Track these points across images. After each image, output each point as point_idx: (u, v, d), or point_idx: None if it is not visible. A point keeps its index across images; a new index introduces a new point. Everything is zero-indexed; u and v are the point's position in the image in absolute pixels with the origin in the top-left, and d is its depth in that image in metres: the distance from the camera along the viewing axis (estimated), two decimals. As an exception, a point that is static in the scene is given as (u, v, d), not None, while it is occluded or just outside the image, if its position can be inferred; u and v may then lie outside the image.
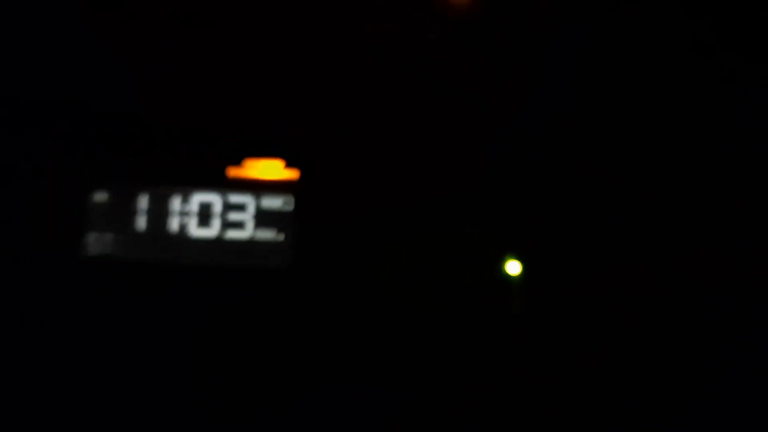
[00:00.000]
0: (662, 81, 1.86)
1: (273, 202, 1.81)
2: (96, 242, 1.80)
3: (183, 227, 1.81)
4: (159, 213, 1.81)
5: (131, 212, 1.81)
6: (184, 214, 1.81)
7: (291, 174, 1.82)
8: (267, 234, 1.80)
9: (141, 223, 1.81)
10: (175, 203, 1.81)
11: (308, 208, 1.81)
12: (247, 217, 1.81)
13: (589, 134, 1.84)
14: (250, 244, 1.80)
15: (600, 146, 1.84)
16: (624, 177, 1.84)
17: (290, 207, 1.81)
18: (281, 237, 1.80)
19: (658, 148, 1.84)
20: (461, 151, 1.81)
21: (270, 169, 1.82)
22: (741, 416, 1.74)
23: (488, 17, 1.85)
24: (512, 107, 1.81)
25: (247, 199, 1.81)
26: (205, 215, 1.81)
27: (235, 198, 1.81)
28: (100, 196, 1.81)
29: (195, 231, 1.81)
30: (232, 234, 1.81)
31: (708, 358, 1.75)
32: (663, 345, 1.77)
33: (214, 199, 1.81)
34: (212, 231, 1.81)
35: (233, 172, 1.82)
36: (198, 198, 1.81)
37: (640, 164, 1.84)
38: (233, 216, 1.81)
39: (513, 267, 1.80)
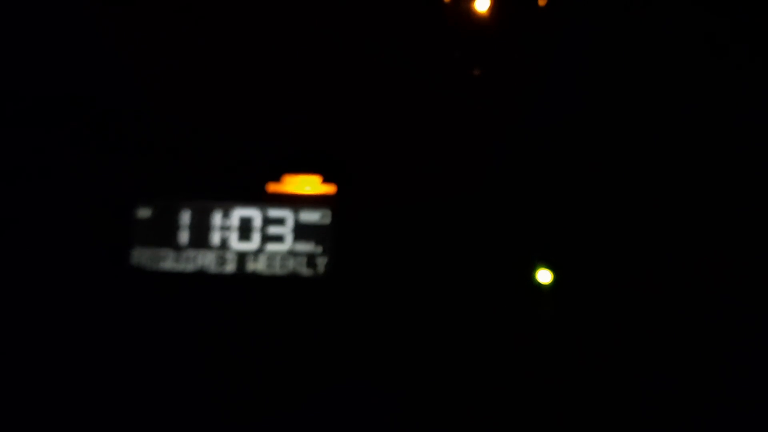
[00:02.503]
0: (679, 82, 1.91)
1: (311, 216, 1.87)
2: (141, 255, 1.87)
3: (224, 241, 1.87)
4: (201, 227, 1.87)
5: (174, 227, 1.87)
6: (225, 228, 1.88)
7: (328, 189, 1.89)
8: (305, 246, 1.87)
9: (183, 237, 1.87)
10: (217, 218, 1.88)
11: (345, 222, 1.87)
12: (286, 230, 1.87)
13: (611, 140, 1.90)
14: (289, 256, 1.86)
15: (626, 152, 1.89)
16: (652, 184, 1.89)
17: (327, 220, 1.87)
18: (319, 249, 1.87)
19: (690, 152, 1.89)
20: (493, 164, 1.87)
21: (308, 184, 1.89)
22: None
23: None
24: (542, 118, 1.88)
25: (286, 214, 1.88)
26: (245, 229, 1.88)
27: (274, 212, 1.88)
28: (144, 212, 1.88)
29: (236, 244, 1.87)
30: (272, 247, 1.87)
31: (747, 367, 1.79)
32: (691, 356, 1.81)
33: (254, 214, 1.88)
34: (253, 244, 1.87)
35: (272, 187, 1.89)
36: (238, 213, 1.88)
37: (666, 171, 1.89)
38: (273, 230, 1.88)
39: (544, 276, 1.86)
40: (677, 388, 1.81)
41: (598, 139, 1.89)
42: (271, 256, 1.87)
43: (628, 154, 1.89)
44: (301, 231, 1.87)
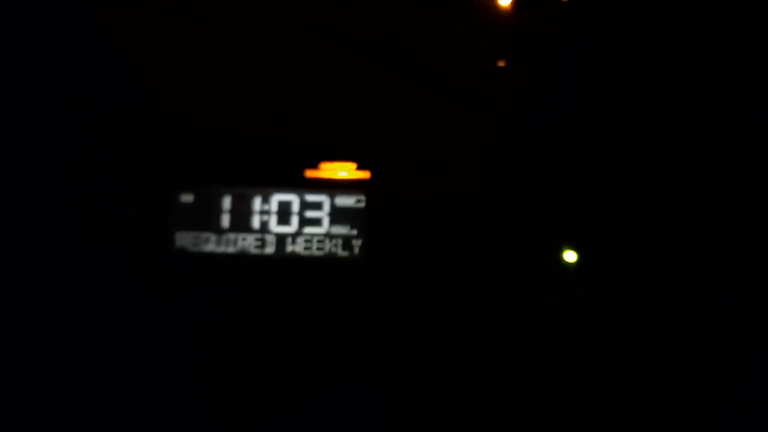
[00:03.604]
0: (680, 83, 1.98)
1: (346, 201, 1.97)
2: (184, 238, 1.95)
3: (264, 224, 1.96)
4: (242, 212, 1.96)
5: (216, 211, 1.96)
6: (265, 212, 1.96)
7: (363, 175, 1.98)
8: (341, 230, 1.96)
9: (225, 221, 1.96)
10: (257, 203, 1.97)
11: (378, 206, 1.96)
12: (323, 214, 1.97)
13: (615, 140, 1.98)
14: (325, 238, 1.95)
15: (632, 152, 1.98)
16: (659, 182, 1.98)
17: (362, 205, 1.96)
18: (354, 232, 1.96)
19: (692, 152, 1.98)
20: (521, 148, 1.97)
21: (343, 170, 1.98)
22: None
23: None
24: (561, 106, 1.98)
25: (322, 198, 1.97)
26: (284, 213, 1.96)
27: (311, 197, 1.97)
28: (187, 198, 1.96)
29: (275, 228, 1.96)
30: (310, 230, 1.96)
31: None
32: (717, 344, 1.87)
33: (293, 199, 1.97)
34: (291, 227, 1.96)
35: (310, 173, 1.98)
36: (278, 198, 1.97)
37: (670, 171, 1.98)
38: (310, 214, 1.97)
39: (570, 256, 1.95)
40: (696, 376, 1.87)
41: (600, 138, 1.98)
42: (309, 239, 1.95)
43: (634, 154, 1.98)
44: (337, 214, 1.96)
